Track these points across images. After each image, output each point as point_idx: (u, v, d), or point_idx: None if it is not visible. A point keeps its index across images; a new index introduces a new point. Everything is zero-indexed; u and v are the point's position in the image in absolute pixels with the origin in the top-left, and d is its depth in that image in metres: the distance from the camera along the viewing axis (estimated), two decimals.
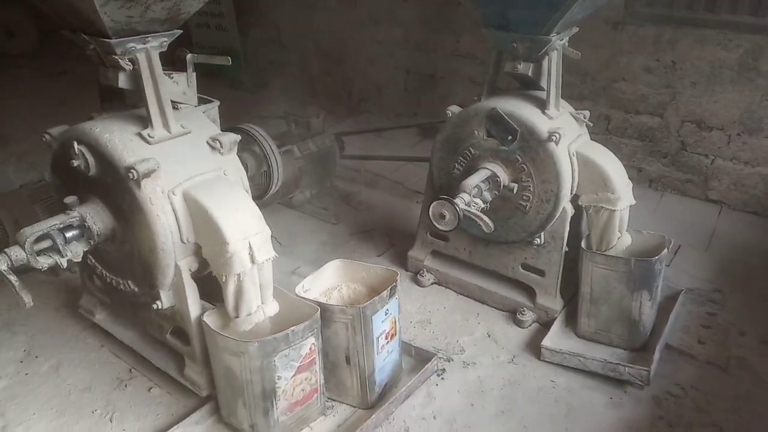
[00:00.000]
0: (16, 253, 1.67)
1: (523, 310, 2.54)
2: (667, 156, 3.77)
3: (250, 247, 1.75)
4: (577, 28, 2.33)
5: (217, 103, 2.05)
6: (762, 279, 2.87)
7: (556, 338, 2.40)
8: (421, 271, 2.83)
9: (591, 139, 2.51)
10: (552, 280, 2.47)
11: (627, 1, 3.59)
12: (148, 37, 1.71)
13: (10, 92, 5.38)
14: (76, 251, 1.80)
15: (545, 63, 2.32)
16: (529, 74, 2.31)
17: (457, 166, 2.48)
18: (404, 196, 3.73)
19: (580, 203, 2.36)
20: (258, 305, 1.85)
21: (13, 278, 1.65)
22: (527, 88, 2.46)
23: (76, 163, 1.77)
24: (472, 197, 2.24)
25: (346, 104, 5.16)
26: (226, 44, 5.48)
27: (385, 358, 2.08)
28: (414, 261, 2.87)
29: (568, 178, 2.28)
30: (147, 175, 1.69)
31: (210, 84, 2.17)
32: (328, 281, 2.19)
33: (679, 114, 3.65)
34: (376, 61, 4.92)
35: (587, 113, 2.44)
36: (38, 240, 1.72)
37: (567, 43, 2.31)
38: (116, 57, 1.69)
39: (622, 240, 2.37)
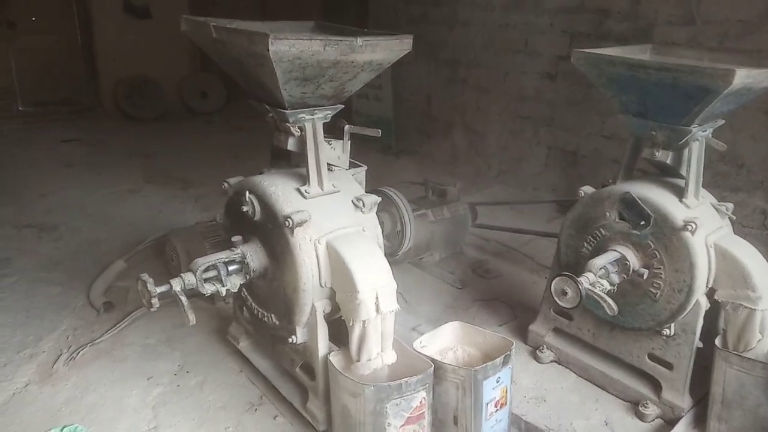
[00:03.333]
0: (189, 279, 2.01)
1: (647, 403, 2.42)
2: None
3: (377, 298, 1.94)
4: (723, 120, 2.31)
5: (364, 168, 2.31)
6: None
7: None
8: (541, 347, 2.82)
9: (737, 234, 2.40)
10: (681, 375, 2.35)
11: None
12: (315, 109, 2.04)
13: (198, 144, 6.31)
14: (234, 283, 2.11)
15: (686, 151, 2.31)
16: (668, 162, 2.31)
17: (585, 245, 2.51)
18: (532, 270, 3.74)
19: (716, 298, 2.26)
20: (378, 353, 2.01)
21: (183, 298, 1.98)
22: (666, 174, 2.45)
23: (245, 208, 2.11)
24: (597, 277, 2.25)
25: (485, 175, 5.33)
26: (381, 113, 5.98)
27: (492, 426, 2.11)
28: (534, 336, 2.88)
29: (703, 270, 2.21)
30: (300, 224, 1.97)
31: (362, 148, 2.44)
32: (445, 341, 2.30)
33: None
34: (518, 136, 5.07)
35: (731, 205, 2.36)
36: (206, 270, 2.05)
37: (711, 134, 2.28)
38: (289, 124, 2.03)
39: (764, 342, 2.20)
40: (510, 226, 4.09)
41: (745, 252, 2.22)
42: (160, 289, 1.95)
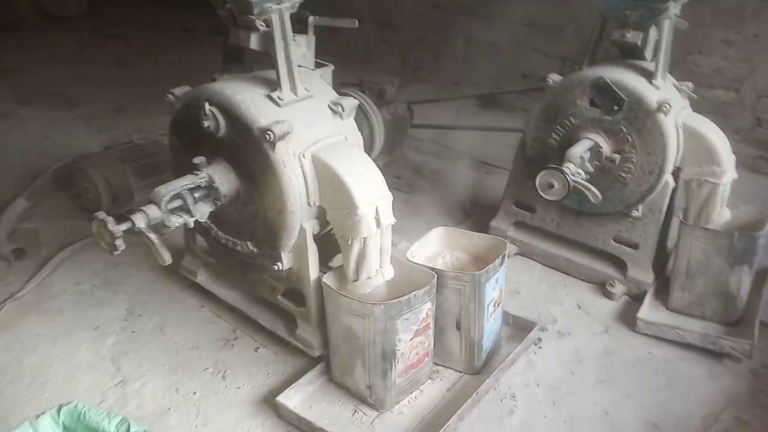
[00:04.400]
0: (153, 212, 1.69)
1: (613, 282, 2.54)
2: (739, 132, 3.70)
3: (377, 212, 1.77)
4: None
5: (331, 66, 2.05)
6: None
7: (649, 310, 2.41)
8: None
9: None
10: (646, 253, 2.46)
11: None
12: None
13: (71, 55, 5.38)
14: (203, 211, 1.82)
15: (651, 32, 2.28)
16: (638, 43, 2.27)
17: (553, 135, 2.46)
18: (471, 166, 3.71)
19: (682, 176, 2.34)
20: (377, 269, 1.87)
21: (153, 236, 1.67)
22: (629, 57, 2.42)
23: (206, 123, 1.78)
24: (576, 167, 2.23)
25: (402, 71, 5.11)
26: None
27: (491, 325, 2.10)
28: (496, 231, 2.86)
29: (674, 150, 2.26)
30: (282, 137, 1.70)
31: None
32: (432, 248, 2.20)
33: (756, 89, 3.57)
34: (435, 29, 4.85)
35: (690, 84, 2.40)
36: (171, 199, 1.74)
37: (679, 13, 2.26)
38: (252, 17, 1.69)
39: (722, 214, 2.35)
40: (441, 123, 3.98)
41: (710, 129, 2.29)
42: (123, 228, 1.63)
